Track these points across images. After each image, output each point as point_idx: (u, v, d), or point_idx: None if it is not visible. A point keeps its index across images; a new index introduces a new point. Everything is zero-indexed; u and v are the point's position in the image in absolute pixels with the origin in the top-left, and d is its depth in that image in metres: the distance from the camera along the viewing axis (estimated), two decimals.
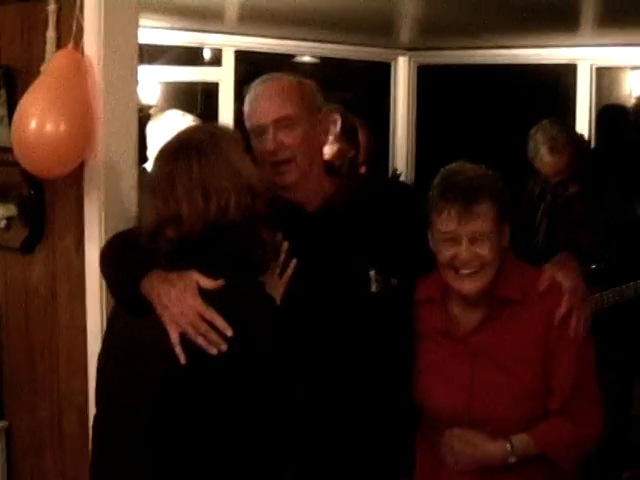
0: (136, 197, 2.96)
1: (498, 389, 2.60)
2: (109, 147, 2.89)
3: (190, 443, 2.24)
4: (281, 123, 2.67)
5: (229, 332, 2.21)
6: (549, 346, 2.59)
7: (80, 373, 2.99)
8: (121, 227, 2.88)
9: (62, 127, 2.76)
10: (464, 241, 2.54)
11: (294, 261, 2.57)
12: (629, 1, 4.61)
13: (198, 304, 2.26)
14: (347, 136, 4.37)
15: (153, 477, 2.28)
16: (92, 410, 2.93)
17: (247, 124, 2.77)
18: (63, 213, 3.05)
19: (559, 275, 2.63)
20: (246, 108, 2.78)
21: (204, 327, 2.23)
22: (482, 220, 2.53)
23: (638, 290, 4.20)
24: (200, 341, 2.21)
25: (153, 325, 2.27)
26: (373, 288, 2.65)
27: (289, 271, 2.56)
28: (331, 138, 4.25)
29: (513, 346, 2.61)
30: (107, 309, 2.89)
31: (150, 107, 6.43)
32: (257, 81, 2.77)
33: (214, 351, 2.21)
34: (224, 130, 2.53)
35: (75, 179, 2.94)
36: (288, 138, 2.67)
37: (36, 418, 3.19)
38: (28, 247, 3.16)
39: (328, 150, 4.29)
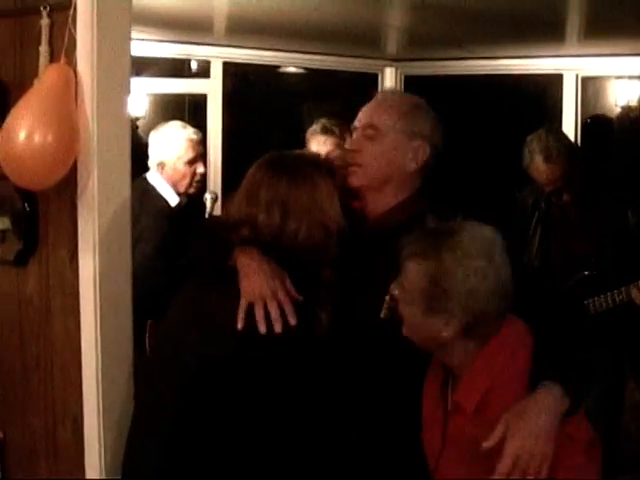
0: (130, 210, 2.99)
1: None
2: (102, 160, 2.91)
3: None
4: (367, 130, 2.75)
5: (293, 321, 2.39)
6: None
7: (74, 384, 3.00)
8: (115, 240, 2.92)
9: (50, 138, 2.79)
10: None
11: None
12: (613, 13, 4.65)
13: (278, 285, 2.42)
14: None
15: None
16: (86, 421, 2.98)
17: None
18: (57, 226, 3.06)
19: (508, 433, 2.18)
20: None
21: (275, 306, 2.38)
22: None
23: (630, 295, 4.23)
24: (260, 315, 2.39)
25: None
26: (382, 314, 2.56)
27: None
28: (332, 148, 4.32)
29: None
30: (101, 321, 2.92)
31: (138, 119, 6.44)
32: (384, 91, 2.91)
33: (263, 329, 2.37)
34: (323, 165, 2.67)
35: (68, 192, 2.96)
36: (368, 146, 2.74)
37: (30, 429, 3.19)
38: (21, 260, 3.17)
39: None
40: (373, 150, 2.74)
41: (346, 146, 2.85)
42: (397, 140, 2.74)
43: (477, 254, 2.29)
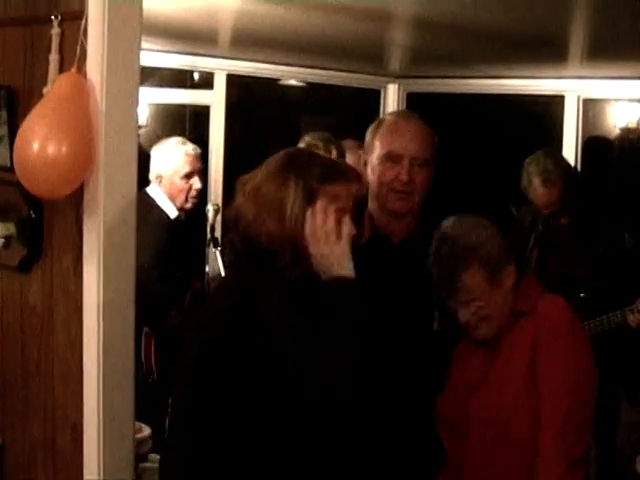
0: (135, 219, 3.01)
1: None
2: (109, 169, 2.92)
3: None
4: (418, 161, 3.02)
5: None
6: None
7: (75, 392, 3.01)
8: (120, 249, 2.94)
9: (64, 149, 2.80)
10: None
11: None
12: (615, 36, 4.69)
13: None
14: None
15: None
16: (86, 428, 2.99)
17: (380, 146, 3.08)
18: (62, 234, 3.08)
19: None
20: (384, 132, 3.10)
21: None
22: (468, 288, 2.69)
23: (625, 318, 4.25)
24: None
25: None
26: (435, 327, 2.87)
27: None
28: None
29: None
30: (104, 329, 2.92)
31: (140, 128, 6.46)
32: (399, 112, 3.24)
33: None
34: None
35: (75, 200, 2.97)
36: (418, 176, 3.02)
37: (30, 436, 3.20)
38: (25, 266, 3.18)
39: None
40: (424, 179, 3.05)
41: (401, 179, 3.01)
42: (434, 167, 3.10)
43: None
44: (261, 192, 2.42)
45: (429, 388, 2.82)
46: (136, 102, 3.04)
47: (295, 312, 2.28)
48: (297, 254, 2.37)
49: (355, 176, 2.52)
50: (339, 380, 2.21)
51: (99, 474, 2.97)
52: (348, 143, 5.38)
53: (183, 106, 6.99)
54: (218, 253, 4.39)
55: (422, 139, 3.06)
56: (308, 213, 2.36)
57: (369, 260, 2.70)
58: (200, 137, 6.36)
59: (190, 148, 5.18)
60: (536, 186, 4.66)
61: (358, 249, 2.62)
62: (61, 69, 2.99)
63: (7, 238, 3.22)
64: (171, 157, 5.12)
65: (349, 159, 5.26)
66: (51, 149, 2.79)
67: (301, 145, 4.62)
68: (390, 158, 3.05)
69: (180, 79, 6.72)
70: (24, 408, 3.23)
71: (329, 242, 2.33)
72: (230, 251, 2.51)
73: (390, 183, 3.03)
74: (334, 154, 4.48)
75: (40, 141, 2.79)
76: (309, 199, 2.38)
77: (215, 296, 2.65)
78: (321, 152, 4.46)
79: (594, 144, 6.69)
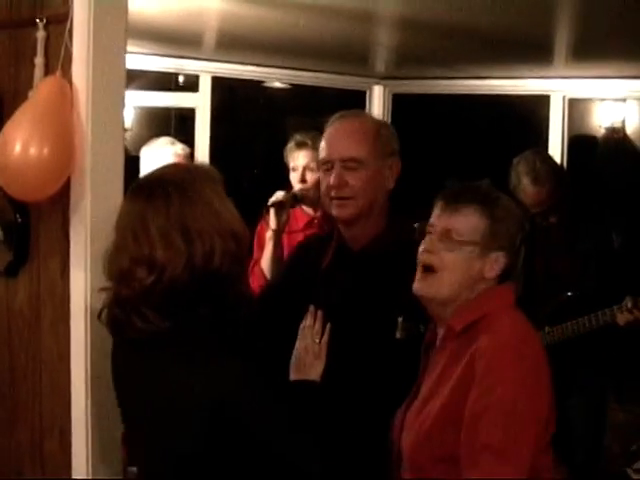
0: None
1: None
2: (96, 173, 2.91)
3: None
4: (348, 163, 2.82)
5: None
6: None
7: (62, 396, 2.99)
8: None
9: (46, 151, 2.79)
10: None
11: (328, 326, 2.56)
12: (600, 36, 4.71)
13: None
14: None
15: None
16: (74, 433, 2.97)
17: (319, 155, 2.94)
18: (48, 238, 3.06)
19: None
20: (322, 140, 2.93)
21: None
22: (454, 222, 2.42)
23: (614, 316, 4.25)
24: None
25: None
26: (398, 335, 2.67)
27: (325, 337, 2.56)
28: (314, 165, 4.32)
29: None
30: (91, 334, 2.90)
31: (125, 131, 6.44)
32: (337, 115, 2.92)
33: None
34: (204, 170, 2.48)
35: (61, 204, 2.96)
36: (352, 178, 2.83)
37: (17, 441, 3.18)
38: (12, 271, 3.16)
39: (310, 178, 4.37)
40: (359, 181, 2.84)
41: (331, 184, 2.85)
42: (377, 165, 2.86)
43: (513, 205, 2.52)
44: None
45: (392, 401, 2.60)
46: (122, 105, 3.02)
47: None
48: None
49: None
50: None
51: (87, 478, 2.96)
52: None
53: (168, 109, 6.98)
54: None
55: (353, 139, 2.86)
56: None
57: (332, 272, 2.80)
58: (185, 140, 6.34)
59: (179, 148, 5.12)
60: (525, 185, 4.67)
61: (323, 264, 2.62)
62: (47, 72, 2.97)
63: None
64: (161, 157, 5.06)
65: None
66: (33, 151, 2.78)
67: (290, 143, 4.59)
68: (324, 165, 2.93)
69: (165, 82, 6.71)
70: (11, 413, 3.20)
71: None
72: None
73: (327, 191, 2.90)
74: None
75: (22, 144, 2.78)
76: None
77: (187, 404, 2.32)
78: (309, 149, 4.45)
79: (579, 144, 6.70)
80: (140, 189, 2.39)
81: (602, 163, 7.04)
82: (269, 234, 4.06)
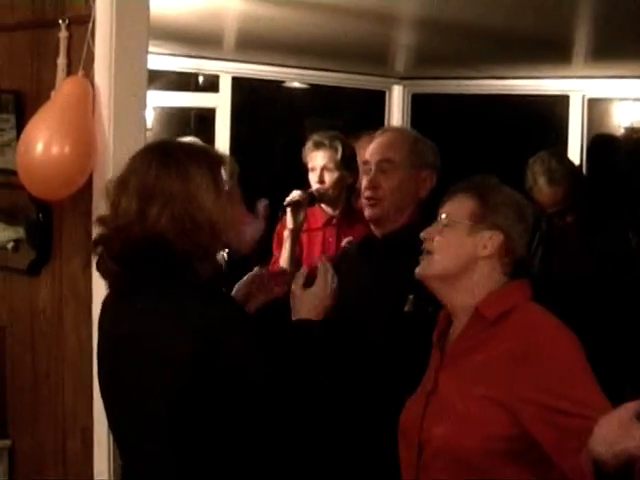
0: None
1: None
2: (118, 172, 2.93)
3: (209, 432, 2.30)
4: (383, 165, 3.02)
5: None
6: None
7: (85, 394, 3.02)
8: None
9: (67, 150, 2.83)
10: None
11: (335, 277, 2.65)
12: (619, 36, 4.70)
13: None
14: (346, 164, 4.44)
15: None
16: (97, 430, 3.00)
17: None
18: (71, 237, 3.09)
19: None
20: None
21: None
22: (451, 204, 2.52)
23: None
24: None
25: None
26: (406, 308, 2.79)
27: (333, 285, 2.63)
28: (331, 166, 4.36)
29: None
30: None
31: (146, 130, 6.47)
32: (384, 126, 3.09)
33: None
34: (206, 158, 2.45)
35: (83, 204, 2.99)
36: (384, 181, 3.00)
37: (40, 438, 3.21)
38: (35, 270, 3.20)
39: (328, 178, 4.38)
40: (390, 182, 3.01)
41: (365, 184, 3.04)
42: (409, 172, 3.03)
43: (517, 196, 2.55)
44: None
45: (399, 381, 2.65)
46: (143, 105, 3.05)
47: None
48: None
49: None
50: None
51: (109, 477, 2.98)
52: (363, 138, 5.36)
53: (188, 109, 6.99)
54: (224, 254, 4.40)
55: (391, 143, 3.07)
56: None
57: (355, 255, 3.06)
58: (205, 140, 6.36)
59: None
60: (541, 185, 4.66)
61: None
62: (69, 73, 3.01)
63: (16, 242, 3.24)
64: None
65: (363, 154, 5.24)
66: (54, 150, 2.81)
67: (308, 143, 4.60)
68: (364, 165, 3.13)
69: (185, 82, 6.73)
70: (34, 411, 3.24)
71: None
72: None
73: (363, 191, 3.07)
74: (339, 151, 4.46)
75: (44, 143, 2.82)
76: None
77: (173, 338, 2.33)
78: (327, 149, 4.46)
79: (599, 143, 6.68)
80: (148, 150, 2.47)
81: (622, 163, 7.01)
82: (286, 233, 4.07)
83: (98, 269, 2.44)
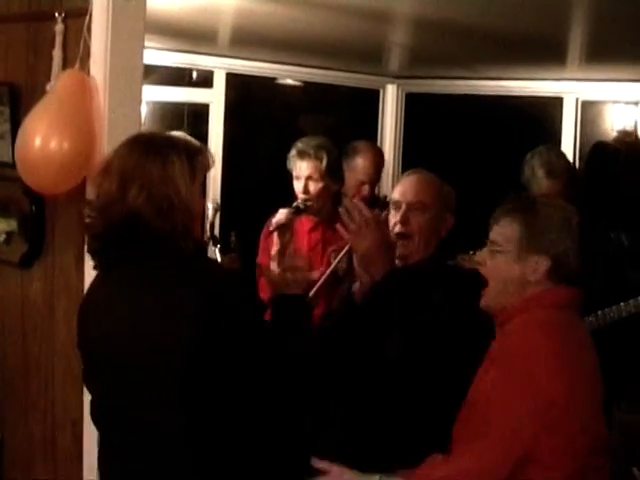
0: None
1: None
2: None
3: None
4: (414, 206, 3.20)
5: None
6: None
7: (75, 388, 3.02)
8: None
9: (66, 145, 2.82)
10: None
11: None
12: (613, 39, 4.70)
13: None
14: (331, 172, 4.47)
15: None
16: (87, 424, 2.99)
17: (392, 196, 3.33)
18: (64, 230, 3.09)
19: None
20: (397, 185, 3.36)
21: None
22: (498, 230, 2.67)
23: (620, 314, 4.25)
24: None
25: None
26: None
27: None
28: (316, 176, 4.39)
29: None
30: None
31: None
32: (411, 170, 3.35)
33: None
34: (185, 148, 2.54)
35: (77, 196, 2.98)
36: (415, 218, 3.19)
37: (30, 431, 3.21)
38: (27, 262, 3.19)
39: (313, 188, 4.42)
40: (421, 221, 3.20)
41: (396, 221, 3.21)
42: (437, 213, 3.24)
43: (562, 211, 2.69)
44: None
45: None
46: (139, 99, 3.06)
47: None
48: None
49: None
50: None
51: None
52: (361, 145, 5.36)
53: (181, 104, 6.98)
54: (217, 251, 4.41)
55: (422, 187, 3.25)
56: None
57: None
58: (198, 135, 6.36)
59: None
60: (540, 178, 4.65)
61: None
62: (64, 66, 3.01)
63: (8, 234, 3.24)
64: None
65: (362, 162, 5.25)
66: (53, 145, 2.81)
67: (292, 151, 4.61)
68: (394, 206, 3.26)
69: (179, 77, 6.72)
70: (24, 404, 3.24)
71: None
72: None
73: (393, 226, 3.21)
74: (324, 161, 4.47)
75: (42, 137, 2.81)
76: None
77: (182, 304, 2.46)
78: (311, 160, 4.48)
79: (593, 147, 6.69)
80: (133, 139, 2.54)
81: (614, 165, 7.02)
82: (274, 252, 4.17)
83: (88, 251, 2.55)
